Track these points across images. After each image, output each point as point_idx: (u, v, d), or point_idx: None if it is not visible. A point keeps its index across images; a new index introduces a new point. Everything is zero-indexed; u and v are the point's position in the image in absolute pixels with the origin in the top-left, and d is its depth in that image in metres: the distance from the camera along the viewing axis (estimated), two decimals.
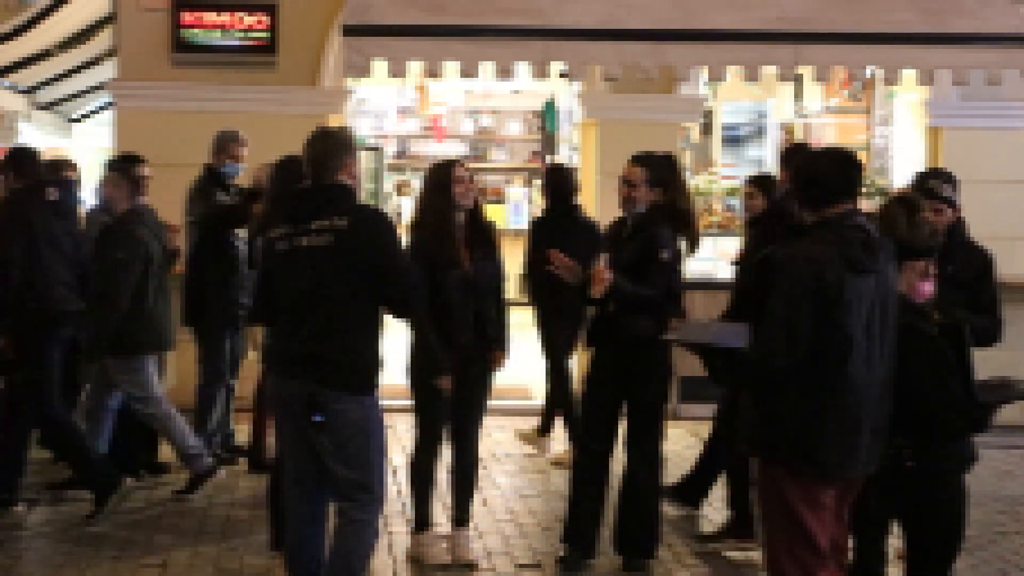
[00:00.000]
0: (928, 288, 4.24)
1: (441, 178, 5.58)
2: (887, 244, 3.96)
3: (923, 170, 6.55)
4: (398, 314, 4.85)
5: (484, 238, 5.66)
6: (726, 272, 9.85)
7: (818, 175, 3.96)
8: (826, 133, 11.55)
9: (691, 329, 4.82)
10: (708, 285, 9.17)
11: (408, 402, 5.79)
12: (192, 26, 8.84)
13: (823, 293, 3.74)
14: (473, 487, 5.87)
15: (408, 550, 5.81)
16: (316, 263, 4.36)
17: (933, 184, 5.31)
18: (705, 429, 6.64)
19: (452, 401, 5.64)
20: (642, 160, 5.74)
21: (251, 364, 6.87)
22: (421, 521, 5.78)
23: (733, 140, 12.03)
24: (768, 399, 3.87)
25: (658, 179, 5.71)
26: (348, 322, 4.39)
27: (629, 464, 5.71)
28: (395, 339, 5.46)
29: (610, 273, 5.46)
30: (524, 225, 10.79)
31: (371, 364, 4.51)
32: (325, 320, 4.36)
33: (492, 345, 5.71)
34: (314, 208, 4.43)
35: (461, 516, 5.80)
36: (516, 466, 7.59)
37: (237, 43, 8.88)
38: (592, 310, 5.91)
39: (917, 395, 4.01)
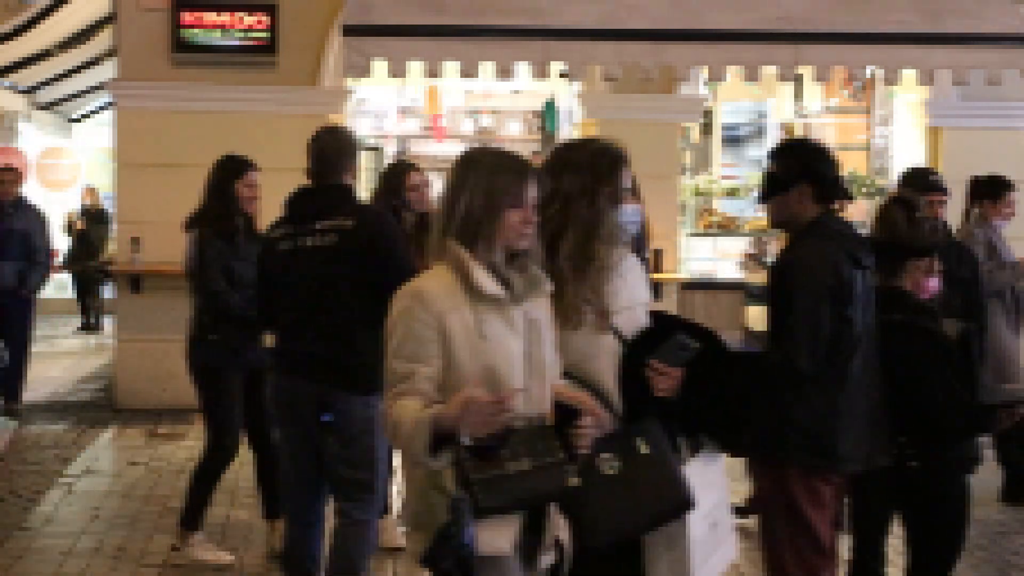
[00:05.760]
0: (934, 284, 4.26)
1: (392, 181, 5.69)
2: (867, 240, 4.02)
3: (908, 170, 6.61)
4: None
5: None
6: (727, 272, 9.88)
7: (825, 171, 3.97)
8: (826, 133, 11.54)
9: None
10: (708, 285, 9.15)
11: None
12: (192, 26, 8.83)
13: (840, 290, 3.76)
14: None
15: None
16: (322, 263, 4.35)
17: (935, 180, 5.39)
18: None
19: None
20: None
21: None
22: None
23: (733, 140, 12.03)
24: (784, 400, 3.86)
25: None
26: (354, 322, 4.37)
27: None
28: None
29: None
30: None
31: (376, 364, 4.49)
32: (331, 320, 4.35)
33: None
34: (319, 208, 4.42)
35: None
36: None
37: (237, 43, 8.88)
38: None
39: (923, 395, 4.01)
